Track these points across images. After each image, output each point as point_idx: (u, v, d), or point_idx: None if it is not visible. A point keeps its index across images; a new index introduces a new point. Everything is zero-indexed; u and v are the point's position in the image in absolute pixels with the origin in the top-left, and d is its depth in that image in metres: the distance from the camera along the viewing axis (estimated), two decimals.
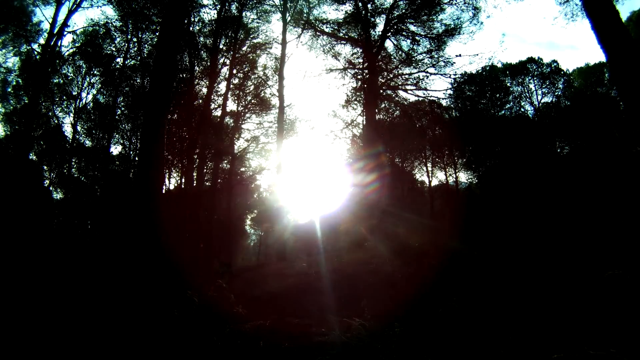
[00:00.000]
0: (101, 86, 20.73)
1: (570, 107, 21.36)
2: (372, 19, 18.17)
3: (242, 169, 25.78)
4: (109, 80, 20.13)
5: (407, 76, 19.15)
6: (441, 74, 18.38)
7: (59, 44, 18.22)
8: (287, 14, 19.37)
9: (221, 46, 19.36)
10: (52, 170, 20.55)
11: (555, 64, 22.44)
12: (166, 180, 20.15)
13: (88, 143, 21.19)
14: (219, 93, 20.56)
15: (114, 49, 19.89)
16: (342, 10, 18.35)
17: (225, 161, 23.14)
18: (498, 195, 18.69)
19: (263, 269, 14.56)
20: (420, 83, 18.69)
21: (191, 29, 18.10)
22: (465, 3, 16.96)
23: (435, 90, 21.19)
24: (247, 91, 22.09)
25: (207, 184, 21.99)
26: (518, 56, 56.82)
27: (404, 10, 17.92)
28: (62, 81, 20.07)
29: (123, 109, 20.82)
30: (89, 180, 20.48)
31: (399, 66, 19.31)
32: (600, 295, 4.80)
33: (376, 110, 19.48)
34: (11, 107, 19.59)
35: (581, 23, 13.58)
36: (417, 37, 18.05)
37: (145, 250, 7.75)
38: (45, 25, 17.68)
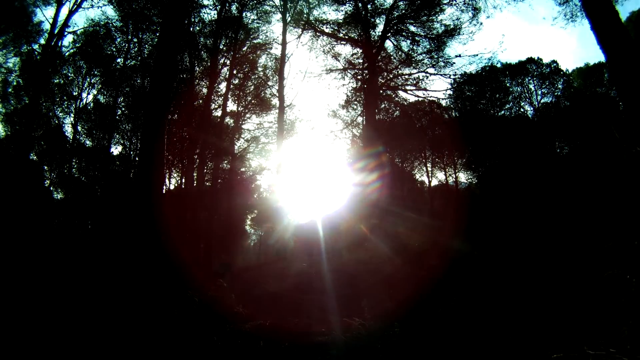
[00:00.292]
0: (102, 86, 20.77)
1: (569, 107, 21.37)
2: (372, 20, 18.20)
3: (243, 169, 25.81)
4: (109, 81, 20.14)
5: (407, 76, 19.18)
6: (441, 74, 18.42)
7: (59, 45, 18.25)
8: (287, 15, 19.41)
9: (221, 46, 19.38)
10: (53, 170, 20.58)
11: (554, 64, 22.45)
12: (166, 180, 20.19)
13: (88, 143, 21.24)
14: (219, 93, 20.61)
15: (114, 49, 19.93)
16: (342, 10, 18.38)
17: (226, 161, 23.17)
18: (498, 195, 18.71)
19: (263, 269, 14.59)
20: (420, 83, 18.73)
21: (191, 29, 18.12)
22: (465, 3, 16.99)
23: (435, 91, 21.22)
24: (247, 91, 22.11)
25: (207, 184, 22.01)
26: (518, 56, 56.75)
27: (403, 11, 17.95)
28: (62, 81, 20.11)
29: (123, 109, 20.85)
30: (90, 180, 20.51)
31: (399, 66, 19.34)
32: (600, 295, 4.82)
33: (376, 111, 19.51)
34: (12, 108, 19.62)
35: (581, 23, 13.58)
36: (417, 38, 18.07)
37: (146, 250, 7.76)
38: (46, 26, 17.70)
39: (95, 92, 20.91)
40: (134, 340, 4.96)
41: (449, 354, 4.43)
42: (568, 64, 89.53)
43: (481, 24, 17.28)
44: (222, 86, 20.43)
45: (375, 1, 17.91)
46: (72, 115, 20.47)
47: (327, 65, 19.70)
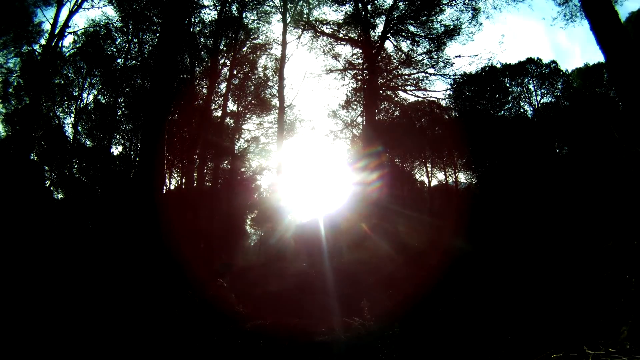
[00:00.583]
0: (102, 87, 20.77)
1: (569, 107, 21.38)
2: (372, 20, 18.23)
3: (243, 169, 25.83)
4: (109, 81, 20.15)
5: (406, 77, 19.23)
6: (441, 75, 18.47)
7: (60, 45, 18.26)
8: (287, 15, 19.43)
9: (222, 47, 19.42)
10: (53, 171, 20.58)
11: (554, 64, 22.44)
12: (167, 180, 20.20)
13: (89, 143, 21.22)
14: (219, 93, 20.65)
15: (114, 49, 19.93)
16: (342, 11, 18.41)
17: (226, 161, 23.20)
18: (497, 195, 18.72)
19: (263, 268, 14.59)
20: (419, 83, 18.78)
21: (192, 29, 18.13)
22: (464, 4, 17.03)
23: (435, 91, 21.30)
24: (248, 92, 22.14)
25: (207, 184, 22.04)
26: (517, 57, 56.82)
27: (403, 11, 17.98)
28: (63, 82, 20.11)
29: (124, 109, 20.86)
30: (90, 180, 20.52)
31: (399, 67, 19.37)
32: (600, 294, 4.84)
33: (376, 111, 19.54)
34: (12, 108, 19.62)
35: (580, 24, 13.60)
36: (416, 38, 18.11)
37: (146, 251, 7.78)
38: (47, 26, 17.70)
39: (95, 92, 20.93)
40: (135, 339, 4.98)
41: (449, 354, 4.44)
42: (568, 64, 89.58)
43: (481, 24, 17.35)
44: (223, 86, 20.50)
45: (375, 2, 17.96)
46: (73, 115, 20.48)
47: (327, 66, 19.76)
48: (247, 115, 22.73)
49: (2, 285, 6.69)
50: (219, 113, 20.86)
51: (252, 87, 21.93)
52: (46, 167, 20.40)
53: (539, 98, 22.57)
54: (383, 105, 22.21)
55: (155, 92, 8.99)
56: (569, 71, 23.55)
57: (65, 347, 4.73)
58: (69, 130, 20.93)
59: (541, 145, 21.11)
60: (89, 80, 20.58)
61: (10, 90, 19.44)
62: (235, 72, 20.69)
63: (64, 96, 20.28)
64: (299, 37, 19.53)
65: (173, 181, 21.93)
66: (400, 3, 17.83)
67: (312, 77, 20.67)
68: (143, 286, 6.68)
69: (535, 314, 4.84)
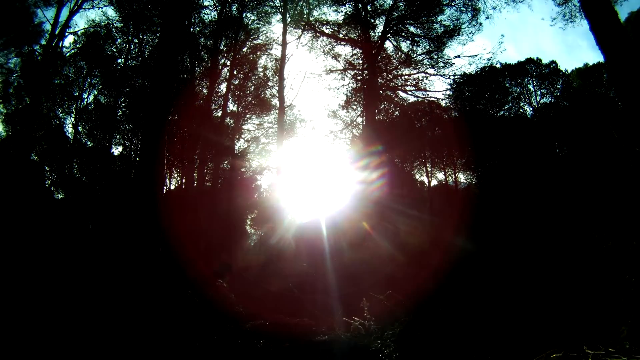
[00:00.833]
0: (102, 87, 20.78)
1: (569, 107, 21.39)
2: (372, 20, 18.25)
3: (243, 169, 25.82)
4: (110, 81, 20.17)
5: (406, 77, 19.26)
6: (440, 75, 18.50)
7: (60, 45, 18.30)
8: (288, 15, 19.44)
9: (222, 47, 19.44)
10: (54, 171, 20.60)
11: (554, 64, 22.45)
12: (167, 180, 20.22)
13: (89, 143, 21.24)
14: (219, 94, 20.66)
15: (115, 49, 19.95)
16: (342, 11, 18.43)
17: (226, 161, 23.18)
18: (497, 195, 18.74)
19: (263, 269, 14.61)
20: (419, 84, 18.81)
21: (192, 30, 18.16)
22: (464, 4, 17.07)
23: (435, 91, 21.15)
24: (248, 92, 22.15)
25: (207, 184, 22.05)
26: (517, 57, 56.85)
27: (403, 12, 18.01)
28: (63, 82, 20.12)
29: (124, 109, 20.88)
30: (90, 180, 20.53)
31: (399, 67, 19.40)
32: (599, 294, 4.85)
33: (376, 111, 19.56)
34: (13, 108, 19.63)
35: (580, 24, 13.62)
36: (416, 38, 18.14)
37: (146, 250, 7.80)
38: (47, 27, 17.72)
39: (96, 92, 20.94)
40: (135, 340, 4.99)
41: (449, 353, 4.45)
42: (567, 65, 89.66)
43: (480, 24, 17.37)
44: (223, 86, 20.50)
45: (375, 2, 17.98)
46: (73, 115, 20.50)
47: (327, 66, 19.78)
48: (247, 116, 22.75)
49: (2, 286, 6.71)
50: (219, 113, 20.89)
51: (252, 88, 21.96)
52: (47, 167, 20.42)
53: (538, 98, 22.59)
54: (383, 106, 22.23)
55: (156, 93, 8.99)
56: (569, 71, 23.60)
57: (65, 347, 4.74)
58: (69, 130, 20.97)
59: (541, 146, 21.13)
60: (89, 80, 20.61)
61: (11, 90, 19.46)
62: (235, 72, 20.71)
63: (64, 96, 20.30)
64: (299, 37, 19.56)
65: (173, 181, 21.97)
66: (400, 3, 17.87)
67: (312, 78, 20.68)
68: (143, 286, 6.69)
69: (535, 314, 4.85)
